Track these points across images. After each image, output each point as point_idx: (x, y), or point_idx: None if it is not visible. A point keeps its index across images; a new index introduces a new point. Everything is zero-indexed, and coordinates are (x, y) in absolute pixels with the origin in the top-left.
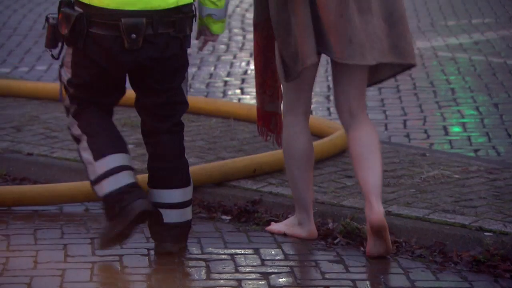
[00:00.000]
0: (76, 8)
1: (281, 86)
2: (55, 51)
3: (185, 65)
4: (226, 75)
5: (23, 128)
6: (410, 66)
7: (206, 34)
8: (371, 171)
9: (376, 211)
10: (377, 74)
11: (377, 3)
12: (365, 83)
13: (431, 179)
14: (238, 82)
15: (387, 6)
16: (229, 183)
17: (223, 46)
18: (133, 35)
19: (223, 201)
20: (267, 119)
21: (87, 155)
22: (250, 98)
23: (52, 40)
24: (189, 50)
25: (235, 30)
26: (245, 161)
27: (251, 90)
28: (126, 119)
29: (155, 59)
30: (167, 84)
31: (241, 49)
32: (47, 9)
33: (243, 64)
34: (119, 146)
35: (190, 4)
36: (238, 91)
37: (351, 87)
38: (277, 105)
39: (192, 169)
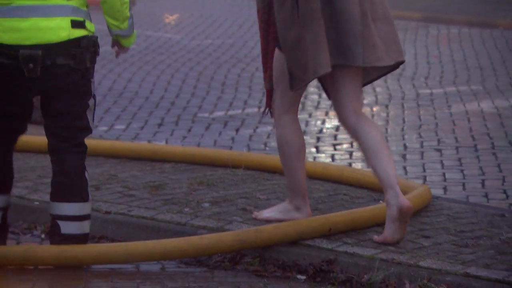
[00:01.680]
0: None
1: (277, 87)
2: None
3: (86, 94)
4: None
5: (102, 186)
6: (400, 64)
7: (119, 47)
8: (389, 163)
9: (404, 197)
10: (368, 76)
11: (381, 9)
12: (361, 84)
13: (511, 241)
14: (313, 140)
15: (383, 10)
16: (304, 242)
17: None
18: (30, 65)
19: (298, 260)
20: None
21: None
22: (325, 157)
23: None
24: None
25: (311, 89)
26: (320, 220)
27: (327, 148)
28: (202, 177)
29: (56, 87)
30: (68, 110)
31: (317, 108)
32: (126, 69)
33: (318, 122)
34: (4, 185)
35: (88, 38)
36: (313, 149)
37: (353, 89)
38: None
39: (266, 227)
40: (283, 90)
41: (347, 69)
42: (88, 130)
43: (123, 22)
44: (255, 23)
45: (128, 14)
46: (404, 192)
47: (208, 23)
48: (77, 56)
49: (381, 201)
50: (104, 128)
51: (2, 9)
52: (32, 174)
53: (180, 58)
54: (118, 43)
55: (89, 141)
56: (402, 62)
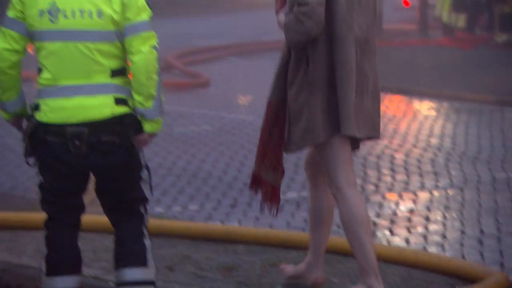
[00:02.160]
0: (33, 120)
1: (332, 161)
2: (31, 160)
3: (136, 168)
4: (375, 215)
5: (175, 267)
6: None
7: (141, 134)
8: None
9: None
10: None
11: (371, 85)
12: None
13: None
14: (387, 223)
15: (374, 86)
16: None
17: (372, 187)
18: (77, 142)
19: None
20: (262, 185)
21: (43, 266)
22: (399, 240)
23: (27, 152)
24: None
25: (384, 171)
26: None
27: (401, 231)
28: (275, 259)
29: (103, 164)
30: (119, 185)
31: (390, 190)
32: (200, 149)
33: (392, 205)
34: (73, 266)
35: (131, 115)
36: (387, 232)
37: (350, 159)
38: (275, 178)
39: None
40: (344, 163)
41: (344, 138)
42: (144, 200)
43: (147, 99)
44: None
45: (155, 93)
46: (481, 278)
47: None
48: (121, 133)
49: (457, 287)
50: (178, 208)
51: (49, 90)
52: (107, 254)
53: (253, 139)
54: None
55: (163, 222)
56: (376, 138)
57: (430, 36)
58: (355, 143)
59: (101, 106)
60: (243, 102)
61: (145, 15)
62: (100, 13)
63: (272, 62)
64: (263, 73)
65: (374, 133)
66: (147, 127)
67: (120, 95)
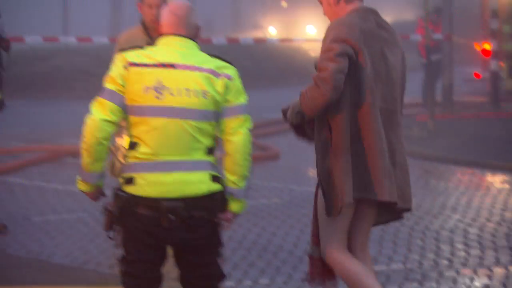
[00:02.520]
0: (125, 193)
1: (331, 225)
2: (111, 233)
3: (218, 244)
4: None
5: None
6: (405, 211)
7: (224, 215)
8: None
9: None
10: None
11: (399, 158)
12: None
13: None
14: None
15: (402, 159)
16: None
17: (445, 262)
18: (171, 216)
19: None
20: (311, 261)
21: None
22: None
23: (109, 224)
24: None
25: (458, 246)
26: None
27: None
28: None
29: (190, 238)
30: (202, 260)
31: (465, 265)
32: (270, 222)
33: (467, 280)
34: None
35: (221, 192)
36: None
37: (367, 225)
38: (317, 249)
39: None
40: (342, 228)
41: (368, 204)
42: (222, 277)
43: (241, 180)
44: None
45: (248, 174)
46: None
47: None
48: (210, 209)
49: None
50: (249, 282)
51: (148, 164)
52: None
53: None
54: (227, 209)
55: None
56: (407, 210)
57: (501, 108)
58: (392, 214)
59: (199, 183)
60: (313, 175)
61: (243, 98)
62: (204, 93)
63: None
64: None
65: (403, 204)
66: (234, 206)
67: (215, 173)
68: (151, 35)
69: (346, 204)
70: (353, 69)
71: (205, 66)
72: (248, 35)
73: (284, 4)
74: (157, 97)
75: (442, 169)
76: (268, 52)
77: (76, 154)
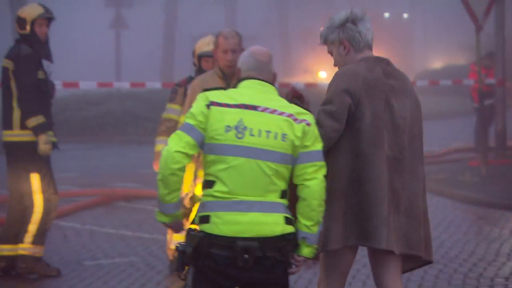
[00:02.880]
0: (199, 232)
1: (328, 269)
2: (182, 274)
3: (286, 286)
4: None
5: None
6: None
7: (295, 258)
8: None
9: None
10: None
11: (406, 204)
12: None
13: None
14: None
15: (409, 206)
16: None
17: None
18: (246, 256)
19: None
20: None
21: None
22: None
23: (180, 265)
24: None
25: None
26: None
27: None
28: None
29: (260, 279)
30: None
31: None
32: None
33: None
34: None
35: (294, 234)
36: None
37: (393, 272)
38: None
39: None
40: (340, 274)
41: (388, 254)
42: None
43: (315, 225)
44: (452, 222)
45: (321, 220)
46: None
47: None
48: (282, 249)
49: None
50: None
51: (224, 203)
52: None
53: None
54: (295, 255)
55: None
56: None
57: None
58: (407, 264)
59: (274, 224)
60: None
61: (319, 145)
62: (284, 137)
63: None
64: None
65: (409, 251)
66: (305, 251)
67: (289, 215)
68: (227, 80)
69: (330, 250)
70: (352, 119)
71: (286, 110)
72: (298, 80)
73: None
74: (238, 137)
75: (495, 215)
76: (319, 96)
77: (128, 198)
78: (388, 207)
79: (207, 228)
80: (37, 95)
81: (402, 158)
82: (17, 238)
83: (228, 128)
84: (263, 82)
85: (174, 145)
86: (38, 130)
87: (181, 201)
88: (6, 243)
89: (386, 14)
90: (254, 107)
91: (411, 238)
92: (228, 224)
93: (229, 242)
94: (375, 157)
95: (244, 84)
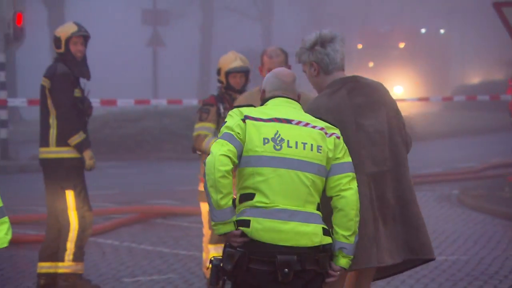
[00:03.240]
0: (238, 248)
1: None
2: None
3: None
4: None
5: None
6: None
7: (332, 268)
8: None
9: None
10: (386, 271)
11: (396, 211)
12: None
13: None
14: None
15: (399, 212)
16: None
17: None
18: (286, 270)
19: None
20: None
21: None
22: None
23: (215, 279)
24: None
25: None
26: None
27: None
28: None
29: None
30: None
31: None
32: None
33: None
34: None
35: (331, 243)
36: None
37: (367, 285)
38: None
39: None
40: None
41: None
42: None
43: (352, 235)
44: (492, 238)
45: (357, 230)
46: None
47: (441, 238)
48: (320, 261)
49: None
50: None
51: (265, 211)
52: None
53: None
54: (332, 264)
55: None
56: (428, 260)
57: None
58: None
59: (313, 235)
60: None
61: (349, 157)
62: (319, 148)
63: (431, 195)
64: (421, 206)
65: (413, 256)
66: (342, 261)
67: (326, 226)
68: None
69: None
70: None
71: (317, 124)
72: None
73: (370, 64)
74: (276, 148)
75: None
76: None
77: (165, 214)
78: (374, 225)
79: (248, 231)
80: (75, 113)
81: (387, 170)
82: (55, 256)
83: (265, 140)
84: (290, 100)
85: (218, 150)
86: (82, 146)
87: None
88: (45, 260)
89: (423, 30)
90: (288, 121)
91: (412, 244)
92: (269, 231)
93: (269, 257)
94: (358, 180)
95: (273, 102)
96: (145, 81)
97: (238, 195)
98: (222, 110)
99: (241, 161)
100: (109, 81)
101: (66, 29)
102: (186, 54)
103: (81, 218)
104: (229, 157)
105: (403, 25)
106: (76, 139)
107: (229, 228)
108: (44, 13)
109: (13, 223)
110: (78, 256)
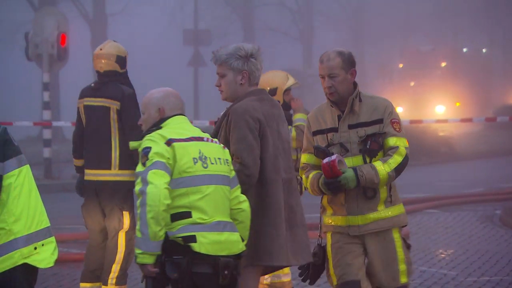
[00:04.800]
0: (181, 256)
1: None
2: None
3: None
4: None
5: None
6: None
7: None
8: None
9: None
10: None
11: (299, 217)
12: None
13: None
14: None
15: (301, 218)
16: None
17: None
18: (226, 272)
19: None
20: None
21: None
22: None
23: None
24: None
25: None
26: None
27: None
28: None
29: None
30: None
31: None
32: None
33: None
34: None
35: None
36: None
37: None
38: None
39: None
40: None
41: (258, 269)
42: None
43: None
44: None
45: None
46: None
47: (484, 259)
48: (238, 266)
49: None
50: None
51: (207, 226)
52: None
53: None
54: None
55: None
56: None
57: None
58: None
59: (238, 242)
60: (444, 256)
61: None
62: (226, 162)
63: (473, 215)
64: (463, 226)
65: (310, 259)
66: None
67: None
68: (337, 106)
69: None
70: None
71: (214, 139)
72: None
73: (412, 83)
74: (204, 166)
75: None
76: None
77: None
78: (285, 227)
79: (196, 246)
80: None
81: (291, 178)
82: (98, 277)
83: (195, 160)
84: (185, 117)
85: (160, 182)
86: None
87: None
88: (88, 281)
89: (465, 49)
90: (201, 138)
91: (308, 247)
92: (212, 243)
93: (213, 260)
94: (277, 183)
95: (175, 120)
96: (186, 101)
97: (168, 214)
98: None
99: (172, 183)
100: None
101: (123, 49)
102: None
103: (129, 241)
104: (168, 189)
105: (445, 44)
106: None
107: (153, 259)
108: (86, 33)
109: (57, 242)
110: (122, 279)
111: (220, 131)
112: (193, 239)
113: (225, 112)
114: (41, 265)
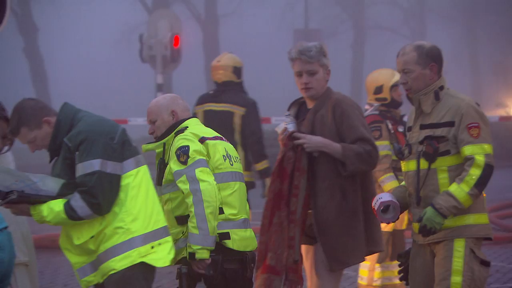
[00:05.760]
0: (213, 254)
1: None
2: None
3: None
4: None
5: None
6: None
7: None
8: None
9: None
10: None
11: None
12: None
13: None
14: None
15: None
16: None
17: None
18: (252, 265)
19: None
20: None
21: None
22: None
23: (186, 286)
24: None
25: None
26: None
27: None
28: None
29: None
30: None
31: None
32: None
33: None
34: None
35: None
36: None
37: None
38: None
39: None
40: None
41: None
42: None
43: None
44: None
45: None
46: None
47: None
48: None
49: None
50: None
51: (236, 222)
52: None
53: None
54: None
55: None
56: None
57: None
58: None
59: (255, 239)
60: None
61: None
62: (238, 159)
63: None
64: None
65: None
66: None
67: None
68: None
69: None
70: None
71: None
72: (491, 114)
73: None
74: (231, 163)
75: None
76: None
77: None
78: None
79: (229, 243)
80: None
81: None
82: None
83: (224, 157)
84: (197, 119)
85: (211, 179)
86: (265, 173)
87: None
88: None
89: None
90: (221, 138)
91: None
92: (242, 240)
93: (240, 256)
94: (372, 175)
95: (193, 121)
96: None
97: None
98: (390, 126)
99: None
100: (264, 100)
101: (237, 61)
102: (338, 73)
103: None
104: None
105: None
106: (264, 164)
107: (209, 254)
108: (199, 34)
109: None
110: None
111: (322, 127)
112: (227, 236)
113: (315, 109)
114: (158, 264)
